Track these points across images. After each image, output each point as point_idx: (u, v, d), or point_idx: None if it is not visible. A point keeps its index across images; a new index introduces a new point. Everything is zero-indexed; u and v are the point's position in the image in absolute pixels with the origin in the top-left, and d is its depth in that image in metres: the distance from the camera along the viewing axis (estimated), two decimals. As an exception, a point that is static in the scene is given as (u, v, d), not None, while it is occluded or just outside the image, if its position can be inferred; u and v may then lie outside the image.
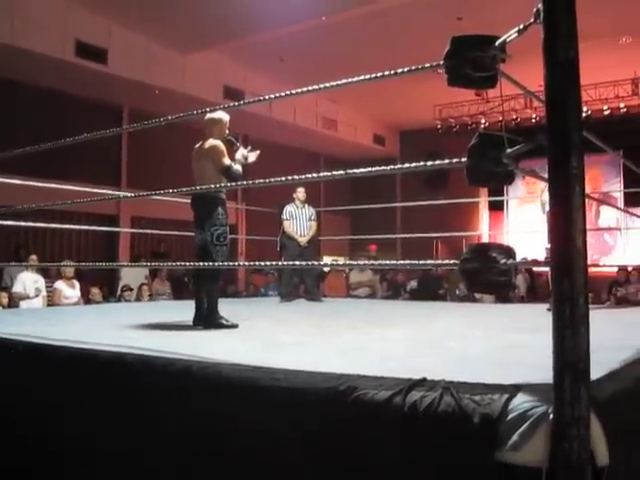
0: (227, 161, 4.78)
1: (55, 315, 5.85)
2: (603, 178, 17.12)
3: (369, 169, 2.60)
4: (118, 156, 13.74)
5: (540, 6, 1.82)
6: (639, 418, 2.33)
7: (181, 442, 2.58)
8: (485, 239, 16.77)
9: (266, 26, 11.27)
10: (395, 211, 17.69)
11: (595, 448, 1.78)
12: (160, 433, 2.66)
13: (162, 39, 11.86)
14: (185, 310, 6.16)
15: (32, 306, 8.22)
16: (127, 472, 2.78)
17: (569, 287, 1.69)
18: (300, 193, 8.02)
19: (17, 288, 8.52)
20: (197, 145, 4.99)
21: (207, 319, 4.59)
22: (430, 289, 11.48)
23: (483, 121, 16.11)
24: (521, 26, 2.07)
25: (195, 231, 4.85)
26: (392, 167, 2.61)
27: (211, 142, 4.85)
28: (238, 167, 4.89)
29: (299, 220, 7.84)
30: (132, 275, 11.36)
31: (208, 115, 4.85)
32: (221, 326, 4.51)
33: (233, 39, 11.91)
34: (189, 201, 4.91)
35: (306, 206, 8.03)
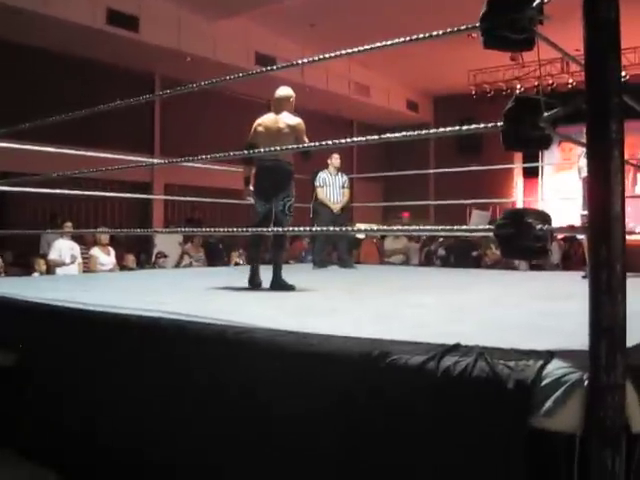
0: (307, 140, 5.12)
1: (90, 281, 5.95)
2: (642, 144, 16.78)
3: (403, 134, 2.58)
4: (151, 123, 13.80)
5: (580, -35, 1.77)
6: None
7: (215, 408, 2.61)
8: (519, 206, 16.59)
9: (296, -10, 11.16)
10: (428, 178, 17.55)
11: (630, 415, 1.77)
12: (194, 399, 2.69)
13: (192, 6, 11.81)
14: (221, 276, 6.24)
15: (68, 273, 8.37)
16: (160, 439, 2.83)
17: (606, 253, 1.66)
18: (335, 160, 7.97)
19: (53, 255, 8.68)
20: (269, 116, 5.25)
21: (274, 282, 4.95)
22: (464, 256, 11.41)
23: (518, 86, 15.81)
24: (560, -14, 2.02)
25: (259, 200, 5.13)
26: (426, 131, 2.58)
27: (295, 118, 5.14)
28: None
29: (332, 187, 7.81)
30: (167, 242, 11.48)
31: (284, 91, 5.34)
32: (284, 287, 4.88)
33: (263, 5, 11.81)
34: (223, 168, 5.27)
35: (339, 173, 7.99)
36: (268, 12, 12.22)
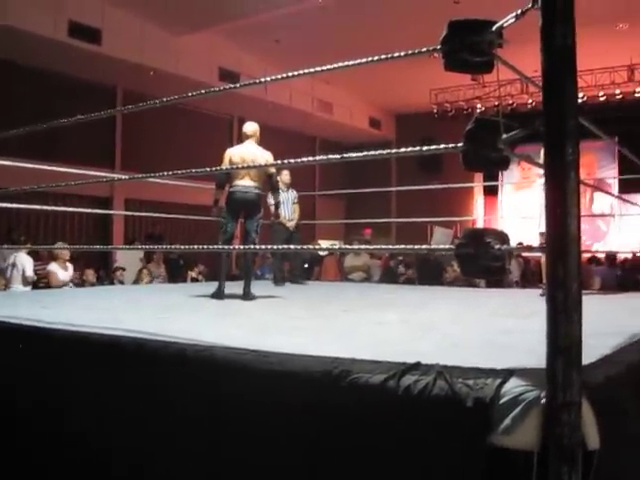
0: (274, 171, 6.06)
1: (49, 297, 5.85)
2: (598, 164, 17.15)
3: (364, 153, 2.60)
4: (112, 137, 13.69)
5: (538, -9, 1.82)
6: (631, 403, 2.35)
7: (173, 426, 2.59)
8: (480, 224, 16.79)
9: (261, 7, 11.20)
10: (390, 195, 17.69)
11: (586, 432, 1.80)
12: (152, 417, 2.66)
13: (156, 20, 11.80)
14: (181, 292, 6.20)
15: (18, 289, 8.17)
16: (114, 454, 2.79)
17: (563, 273, 1.70)
18: (286, 176, 7.99)
19: (28, 272, 8.42)
20: (245, 148, 5.79)
21: (246, 293, 5.49)
22: (425, 273, 11.49)
23: (479, 106, 16.09)
24: (519, 11, 2.06)
25: (231, 220, 5.71)
26: (387, 151, 2.61)
27: (266, 151, 5.76)
28: None
29: (285, 205, 7.80)
30: (127, 258, 11.35)
31: (253, 126, 5.89)
32: (254, 298, 5.49)
33: (228, 20, 11.85)
34: (185, 184, 5.73)
35: (289, 190, 8.01)
36: (233, 28, 12.25)
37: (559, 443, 1.74)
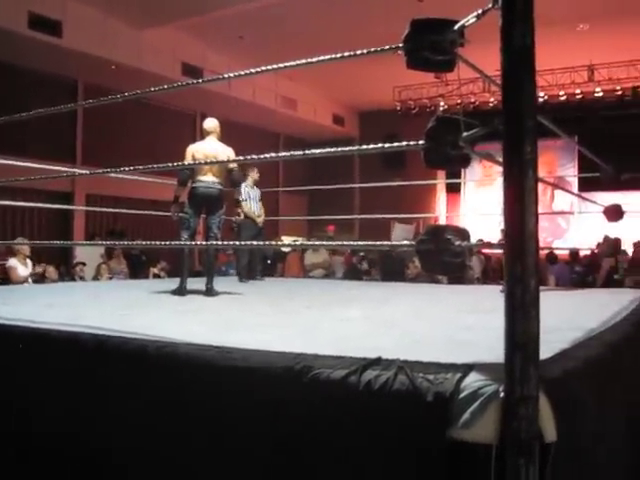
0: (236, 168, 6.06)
1: (8, 293, 5.76)
2: (558, 162, 17.41)
3: (327, 150, 2.61)
4: (73, 132, 13.50)
5: (498, -8, 1.84)
6: (588, 396, 2.40)
7: (134, 423, 2.57)
8: (442, 221, 16.95)
9: (225, 3, 11.15)
10: (353, 192, 17.76)
11: (543, 425, 1.83)
12: (113, 415, 2.64)
13: (119, 14, 11.67)
14: (144, 288, 6.15)
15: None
16: (75, 454, 2.76)
17: (521, 270, 1.72)
18: (256, 173, 8.00)
19: None
20: (206, 144, 5.81)
21: (209, 289, 5.52)
22: (387, 269, 11.57)
23: (442, 104, 16.21)
24: (479, 11, 2.09)
25: (194, 216, 5.72)
26: (349, 148, 2.62)
27: (228, 147, 5.81)
28: None
29: (254, 201, 7.83)
30: (88, 253, 11.21)
31: (214, 122, 5.90)
32: (217, 294, 5.51)
33: (191, 15, 11.78)
34: (148, 179, 5.76)
35: (255, 187, 8.03)
36: (196, 23, 12.18)
37: (517, 436, 1.77)
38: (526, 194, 1.72)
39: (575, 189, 15.00)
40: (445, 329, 3.48)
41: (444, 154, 2.10)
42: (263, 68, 2.96)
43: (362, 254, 12.65)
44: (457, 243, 2.00)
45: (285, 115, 16.44)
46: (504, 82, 1.77)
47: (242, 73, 3.18)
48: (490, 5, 1.94)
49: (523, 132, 1.74)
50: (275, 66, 2.91)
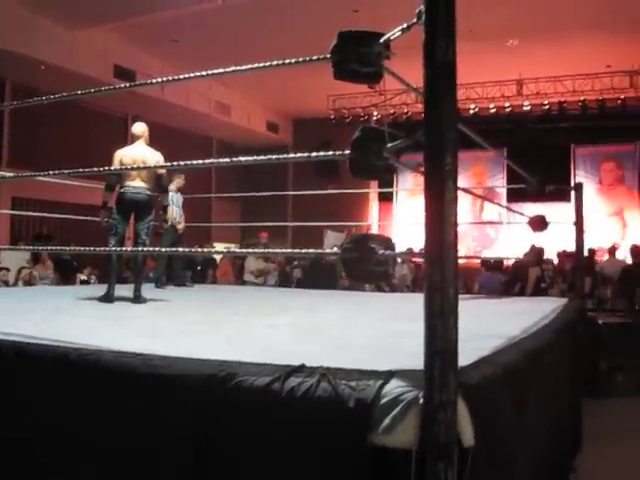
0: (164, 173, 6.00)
1: None
2: (488, 173, 17.86)
3: (259, 157, 2.62)
4: (-1, 133, 13.13)
5: (422, 7, 1.89)
6: (508, 401, 2.47)
7: (55, 433, 2.52)
8: (375, 229, 17.15)
9: (160, 6, 11.04)
10: (287, 199, 17.79)
11: (462, 430, 1.88)
12: (35, 423, 2.58)
13: (48, 13, 11.41)
14: (70, 295, 6.01)
15: None
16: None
17: (440, 278, 1.77)
18: (182, 180, 7.95)
19: None
20: (135, 149, 5.75)
21: (137, 296, 5.43)
22: (319, 277, 11.62)
23: (375, 113, 16.42)
24: (404, 25, 2.14)
25: (122, 221, 5.65)
26: (276, 156, 2.63)
27: (156, 152, 5.76)
28: None
29: (176, 206, 7.78)
30: (13, 259, 10.88)
31: (143, 126, 5.81)
32: (145, 301, 5.42)
33: (124, 17, 11.63)
34: (77, 183, 5.80)
35: (179, 192, 7.97)
36: (130, 25, 12.02)
37: (436, 441, 1.81)
38: (445, 205, 1.76)
39: (504, 199, 15.41)
40: (372, 336, 3.52)
41: (369, 164, 2.14)
42: (197, 73, 2.95)
43: (296, 262, 12.68)
44: (381, 252, 2.04)
45: (219, 120, 16.36)
46: (426, 95, 1.82)
47: (175, 78, 3.16)
48: (415, 20, 1.99)
49: (443, 144, 1.78)
50: (209, 72, 2.90)
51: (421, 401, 1.86)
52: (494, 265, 11.88)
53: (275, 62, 2.59)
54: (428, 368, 1.82)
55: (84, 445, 2.45)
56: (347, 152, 2.17)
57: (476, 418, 1.95)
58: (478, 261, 13.24)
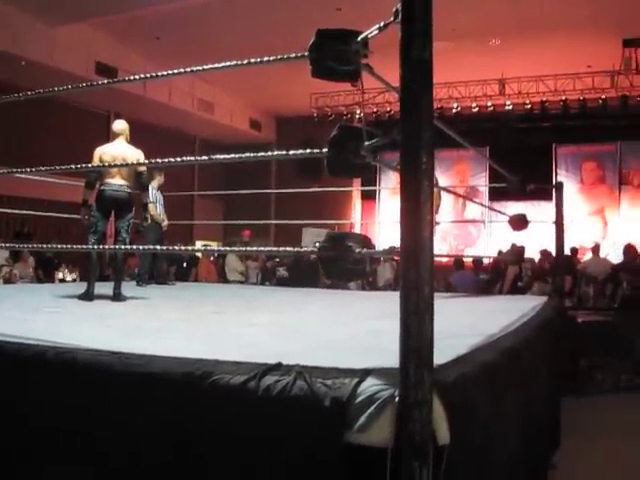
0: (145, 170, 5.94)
1: None
2: (471, 172, 17.94)
3: (232, 155, 2.61)
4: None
5: (399, 6, 1.89)
6: (484, 399, 2.48)
7: (31, 432, 2.50)
8: (357, 227, 17.16)
9: (143, 2, 10.99)
10: (269, 197, 17.76)
11: (437, 428, 1.88)
12: (10, 422, 2.56)
13: (30, 9, 11.30)
14: (47, 292, 5.97)
15: None
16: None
17: (415, 276, 1.77)
18: (162, 178, 7.91)
19: None
20: (115, 147, 5.70)
21: (117, 294, 5.41)
22: (301, 275, 11.61)
23: (358, 111, 16.42)
24: (382, 24, 2.14)
25: (102, 219, 5.62)
26: (261, 154, 2.62)
27: (137, 150, 5.73)
28: None
29: (160, 204, 7.75)
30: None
31: (123, 124, 5.77)
32: (125, 299, 5.41)
33: (106, 14, 11.55)
34: (58, 180, 5.79)
35: (159, 191, 7.94)
36: (112, 21, 11.95)
37: (411, 439, 1.81)
38: (421, 204, 1.77)
39: (486, 198, 15.49)
40: (352, 334, 3.52)
41: (346, 162, 2.14)
42: (178, 70, 2.94)
43: (278, 260, 12.66)
44: (357, 250, 2.04)
45: (202, 118, 16.30)
46: (402, 94, 1.82)
47: (157, 74, 3.14)
48: (392, 18, 1.99)
49: (419, 143, 1.79)
50: (191, 69, 2.88)
51: (397, 399, 1.86)
52: (469, 264, 11.91)
53: (253, 60, 2.59)
54: (403, 366, 1.82)
55: (61, 444, 2.44)
56: (324, 150, 2.17)
57: (452, 416, 1.96)
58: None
